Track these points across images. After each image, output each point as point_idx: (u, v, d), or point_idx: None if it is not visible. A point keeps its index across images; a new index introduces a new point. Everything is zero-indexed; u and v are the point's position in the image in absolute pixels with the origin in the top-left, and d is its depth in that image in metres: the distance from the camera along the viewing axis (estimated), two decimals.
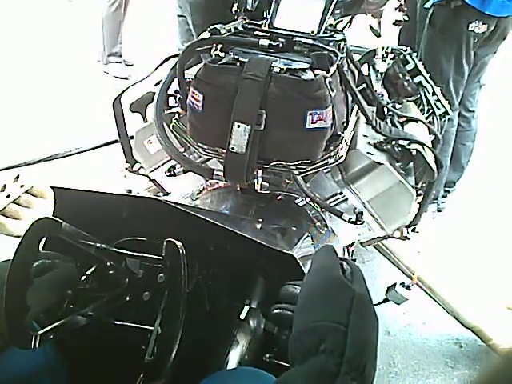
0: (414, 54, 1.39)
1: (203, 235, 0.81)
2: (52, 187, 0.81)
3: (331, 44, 0.99)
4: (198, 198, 1.18)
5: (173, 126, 1.05)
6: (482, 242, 2.03)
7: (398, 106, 1.33)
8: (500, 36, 1.97)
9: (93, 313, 0.71)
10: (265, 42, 0.94)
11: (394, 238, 1.22)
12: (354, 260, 1.38)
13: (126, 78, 3.44)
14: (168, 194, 1.29)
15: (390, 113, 1.23)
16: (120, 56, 3.57)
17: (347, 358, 0.49)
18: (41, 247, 0.66)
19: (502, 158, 2.68)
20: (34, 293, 0.64)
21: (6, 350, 0.65)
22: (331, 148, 0.99)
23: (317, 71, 0.90)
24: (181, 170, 1.10)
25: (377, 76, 1.39)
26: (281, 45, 0.96)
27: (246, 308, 0.90)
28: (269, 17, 1.03)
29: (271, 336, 0.87)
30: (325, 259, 0.59)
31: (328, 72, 0.90)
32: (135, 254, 0.74)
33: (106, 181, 1.33)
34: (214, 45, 0.95)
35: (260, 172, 0.96)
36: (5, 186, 0.77)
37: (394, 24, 2.02)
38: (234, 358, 0.86)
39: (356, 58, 1.22)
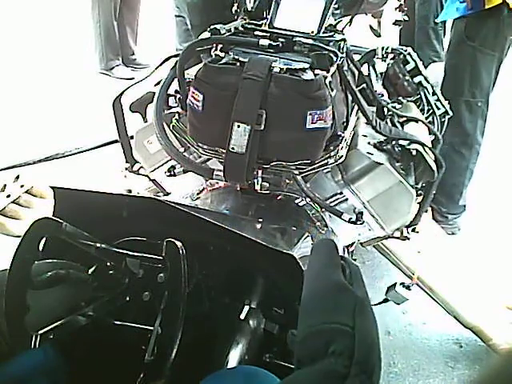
0: (415, 54, 1.38)
1: (203, 235, 0.81)
2: (52, 187, 0.81)
3: (331, 44, 0.99)
4: (198, 198, 1.18)
5: (173, 126, 1.05)
6: (482, 241, 2.03)
7: (397, 106, 1.33)
8: None
9: (93, 313, 0.71)
10: (265, 42, 0.94)
11: (394, 237, 1.22)
12: (354, 260, 1.38)
13: (132, 79, 3.45)
14: (168, 194, 1.29)
15: (390, 113, 1.23)
16: (120, 57, 3.58)
17: (357, 359, 0.49)
18: (41, 247, 0.66)
19: (502, 159, 2.68)
20: (44, 303, 0.64)
21: (9, 357, 0.65)
22: (331, 148, 0.99)
23: (317, 71, 0.90)
24: (181, 170, 1.10)
25: (377, 76, 1.39)
26: (281, 45, 0.96)
27: (246, 308, 0.90)
28: (269, 17, 1.03)
29: (271, 336, 0.87)
30: (325, 258, 0.59)
31: (328, 72, 0.90)
32: (135, 254, 0.74)
33: (106, 181, 1.33)
34: (214, 45, 0.95)
35: (260, 172, 0.96)
36: (5, 185, 0.77)
37: (393, 24, 2.01)
38: (233, 358, 0.86)
39: (356, 58, 1.21)
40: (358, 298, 0.54)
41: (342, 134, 1.00)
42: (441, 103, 1.40)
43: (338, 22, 1.26)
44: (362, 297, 0.54)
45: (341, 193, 1.13)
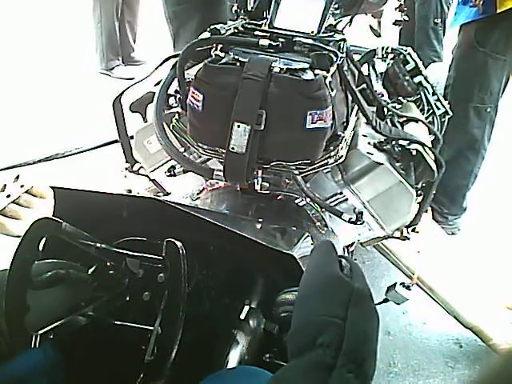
0: (415, 54, 1.38)
1: (203, 235, 0.81)
2: (52, 187, 0.81)
3: (331, 44, 0.99)
4: (198, 198, 1.18)
5: (173, 126, 1.05)
6: (482, 242, 2.03)
7: (397, 106, 1.33)
8: None
9: (93, 313, 0.71)
10: (265, 42, 0.94)
11: (394, 237, 1.22)
12: (355, 260, 1.38)
13: (132, 78, 3.45)
14: (168, 194, 1.29)
15: (390, 113, 1.23)
16: (120, 57, 3.58)
17: (344, 350, 0.49)
18: (41, 247, 0.66)
19: (503, 161, 2.68)
20: (44, 303, 0.64)
21: (9, 357, 0.65)
22: (331, 148, 0.99)
23: (317, 71, 0.89)
24: (181, 170, 1.10)
25: (377, 76, 1.39)
26: (281, 45, 0.96)
27: (246, 308, 0.90)
28: (269, 17, 1.03)
29: (271, 336, 0.87)
30: (323, 255, 0.60)
31: (328, 72, 0.90)
32: (135, 254, 0.74)
33: (106, 181, 1.33)
34: (214, 45, 0.95)
35: (260, 172, 0.96)
36: (5, 185, 0.77)
37: (393, 24, 2.01)
38: (233, 358, 0.86)
39: (356, 58, 1.21)
40: (354, 289, 0.53)
41: (342, 134, 1.00)
42: (441, 103, 1.40)
43: (338, 21, 1.26)
44: (359, 289, 0.54)
45: (341, 193, 1.13)
